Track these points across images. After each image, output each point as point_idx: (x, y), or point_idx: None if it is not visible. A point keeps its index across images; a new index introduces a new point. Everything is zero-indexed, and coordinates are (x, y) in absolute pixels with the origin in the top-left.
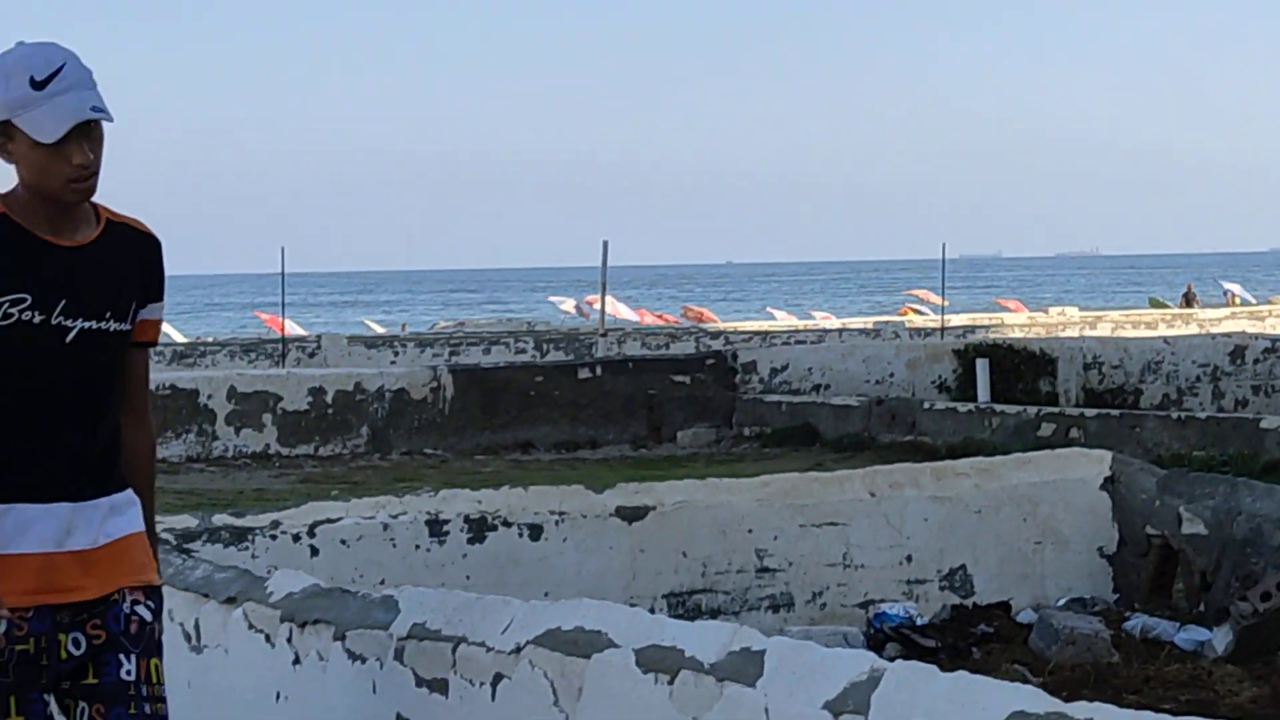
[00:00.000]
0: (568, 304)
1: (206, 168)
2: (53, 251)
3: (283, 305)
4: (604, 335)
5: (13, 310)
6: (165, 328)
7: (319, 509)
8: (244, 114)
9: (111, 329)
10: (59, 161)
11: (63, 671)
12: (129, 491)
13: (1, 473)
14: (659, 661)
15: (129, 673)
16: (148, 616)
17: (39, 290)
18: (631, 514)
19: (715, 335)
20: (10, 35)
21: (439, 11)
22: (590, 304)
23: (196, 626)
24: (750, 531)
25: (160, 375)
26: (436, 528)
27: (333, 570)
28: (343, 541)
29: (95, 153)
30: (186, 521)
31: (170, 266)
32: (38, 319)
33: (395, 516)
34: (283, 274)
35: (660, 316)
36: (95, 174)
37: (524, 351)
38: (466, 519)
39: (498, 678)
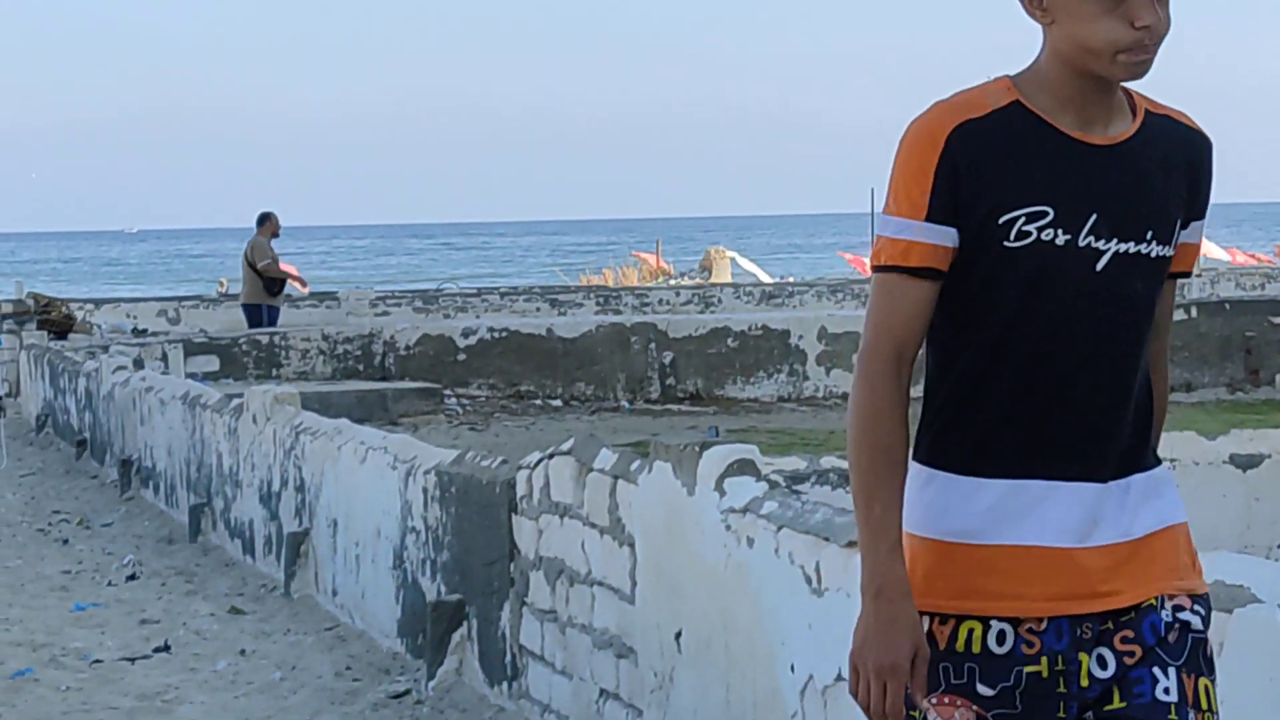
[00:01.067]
0: None
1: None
2: (1081, 151)
3: (870, 247)
4: (1199, 275)
5: (1029, 227)
6: (750, 267)
7: None
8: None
9: (1153, 254)
10: (1114, 21)
11: (1084, 701)
12: (1163, 467)
13: (1007, 437)
14: None
15: (1168, 691)
16: (1196, 624)
17: (1064, 202)
18: (1245, 462)
19: None
20: None
21: None
22: None
23: (817, 569)
24: None
25: (753, 315)
26: None
27: None
28: None
29: (1164, 12)
30: (795, 464)
31: (750, 207)
32: (1061, 239)
33: None
34: (872, 215)
35: (1253, 256)
36: (1158, 44)
37: None
38: None
39: None
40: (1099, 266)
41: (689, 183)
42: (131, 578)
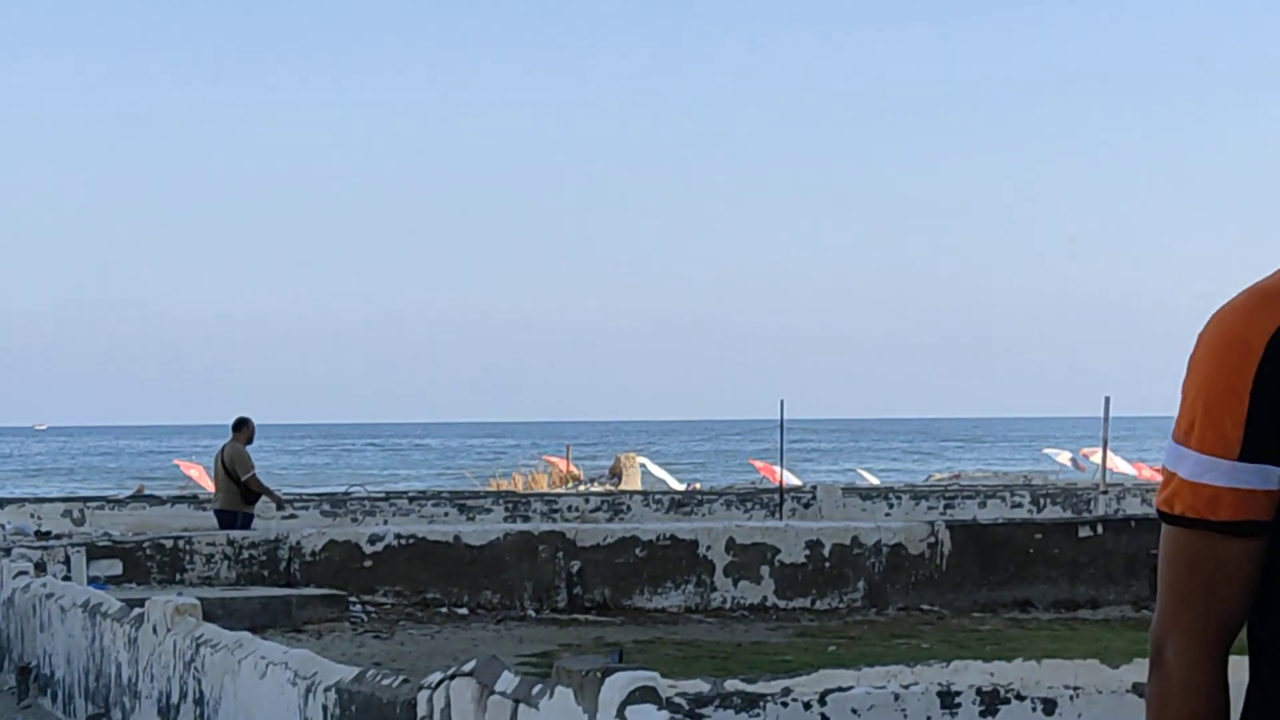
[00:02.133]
0: (1063, 456)
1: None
2: None
3: (781, 456)
4: (1104, 492)
5: None
6: (661, 474)
7: (830, 676)
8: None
9: None
10: None
11: None
12: None
13: None
14: None
15: None
16: None
17: None
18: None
19: None
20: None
21: None
22: (1086, 456)
23: None
24: None
25: (661, 525)
26: (948, 699)
27: None
28: (854, 711)
29: None
30: (699, 686)
31: (672, 413)
32: None
33: (906, 686)
34: (781, 425)
35: (1159, 470)
36: None
37: (1020, 506)
38: (979, 691)
39: None
40: None
41: (601, 386)
42: None
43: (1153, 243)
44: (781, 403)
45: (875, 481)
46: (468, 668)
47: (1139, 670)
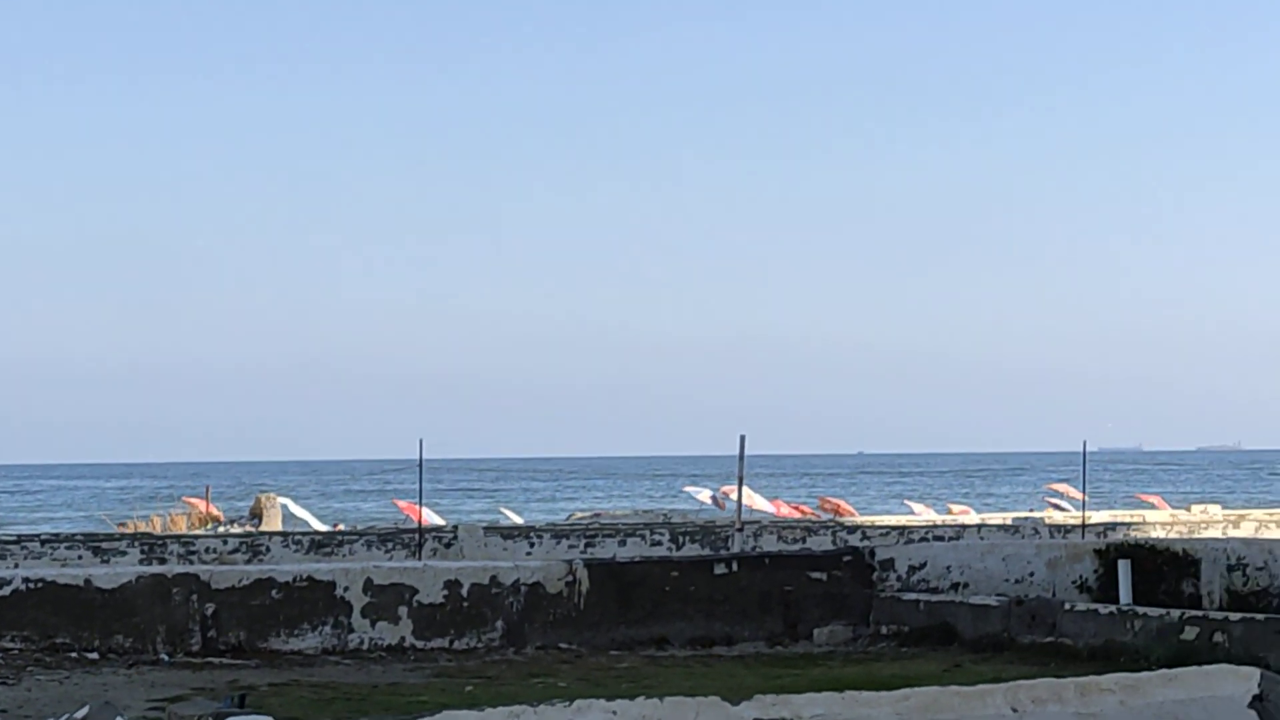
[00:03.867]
0: (703, 494)
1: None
2: None
3: (420, 496)
4: (740, 529)
5: None
6: (303, 514)
7: (454, 718)
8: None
9: None
10: None
11: None
12: None
13: None
14: None
15: None
16: None
17: None
18: None
19: (852, 530)
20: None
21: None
22: (726, 494)
23: None
24: None
25: (298, 566)
26: None
27: None
28: None
29: None
30: None
31: (315, 452)
32: None
33: None
34: (420, 464)
35: (796, 508)
36: None
37: (660, 544)
38: None
39: None
40: None
41: (246, 427)
42: None
43: (777, 280)
44: (420, 442)
45: (518, 520)
46: (80, 714)
47: (760, 706)
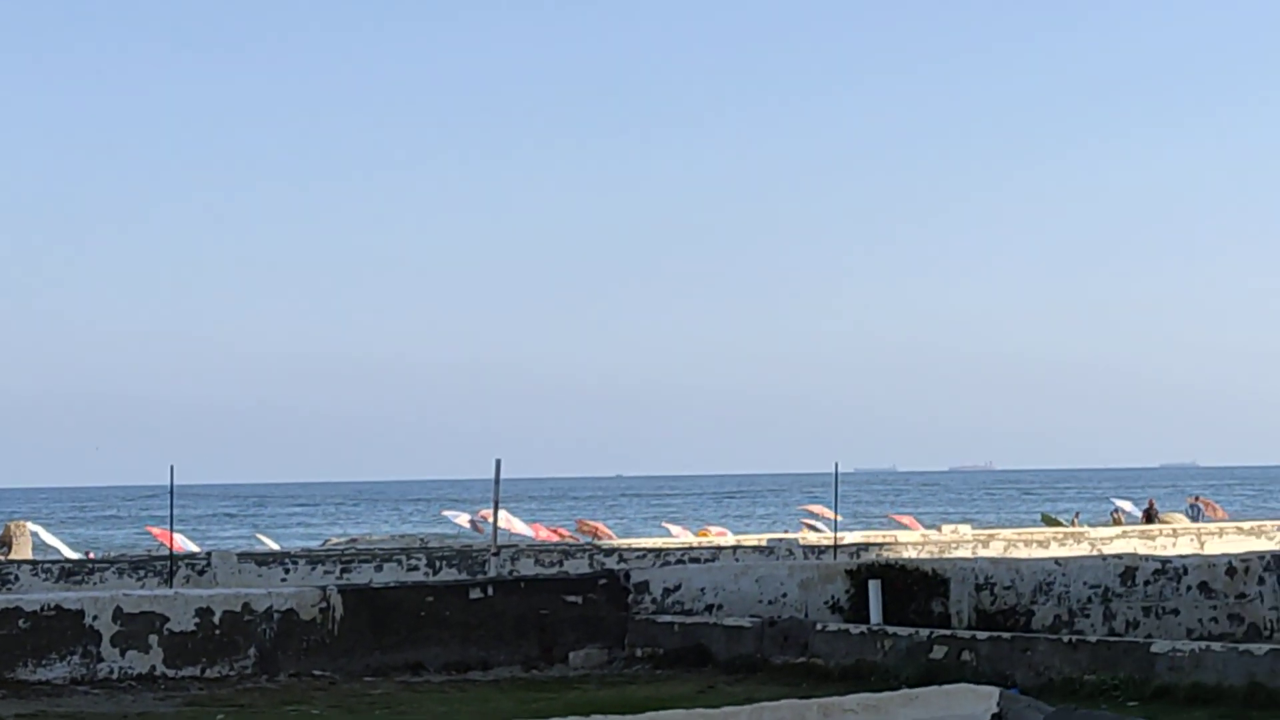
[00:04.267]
0: (462, 518)
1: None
2: None
3: (171, 522)
4: (496, 553)
5: None
6: (54, 542)
7: None
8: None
9: None
10: None
11: None
12: None
13: None
14: None
15: None
16: None
17: None
18: None
19: (610, 552)
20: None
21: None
22: (484, 518)
23: None
24: None
25: (46, 595)
26: None
27: None
28: None
29: None
30: None
31: (68, 478)
32: None
33: None
34: (171, 491)
35: (555, 531)
36: None
37: (416, 569)
38: None
39: None
40: None
41: None
42: None
43: (528, 308)
44: (171, 468)
45: (274, 546)
46: None
47: None
